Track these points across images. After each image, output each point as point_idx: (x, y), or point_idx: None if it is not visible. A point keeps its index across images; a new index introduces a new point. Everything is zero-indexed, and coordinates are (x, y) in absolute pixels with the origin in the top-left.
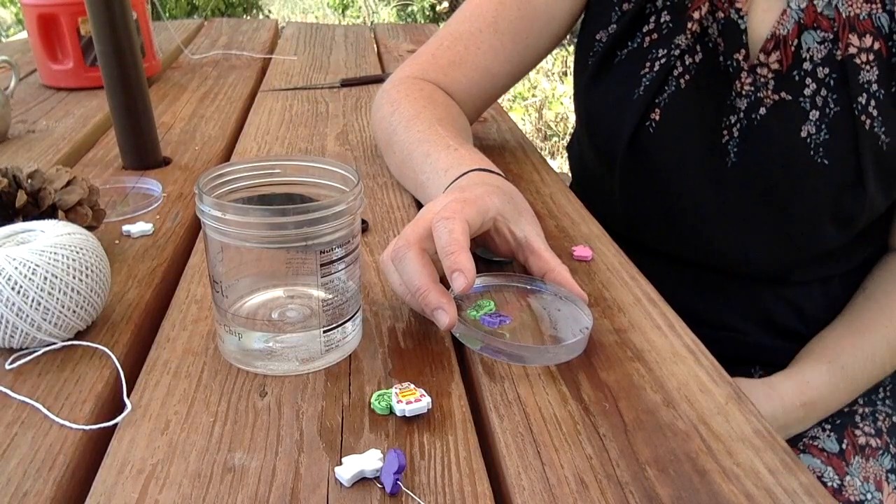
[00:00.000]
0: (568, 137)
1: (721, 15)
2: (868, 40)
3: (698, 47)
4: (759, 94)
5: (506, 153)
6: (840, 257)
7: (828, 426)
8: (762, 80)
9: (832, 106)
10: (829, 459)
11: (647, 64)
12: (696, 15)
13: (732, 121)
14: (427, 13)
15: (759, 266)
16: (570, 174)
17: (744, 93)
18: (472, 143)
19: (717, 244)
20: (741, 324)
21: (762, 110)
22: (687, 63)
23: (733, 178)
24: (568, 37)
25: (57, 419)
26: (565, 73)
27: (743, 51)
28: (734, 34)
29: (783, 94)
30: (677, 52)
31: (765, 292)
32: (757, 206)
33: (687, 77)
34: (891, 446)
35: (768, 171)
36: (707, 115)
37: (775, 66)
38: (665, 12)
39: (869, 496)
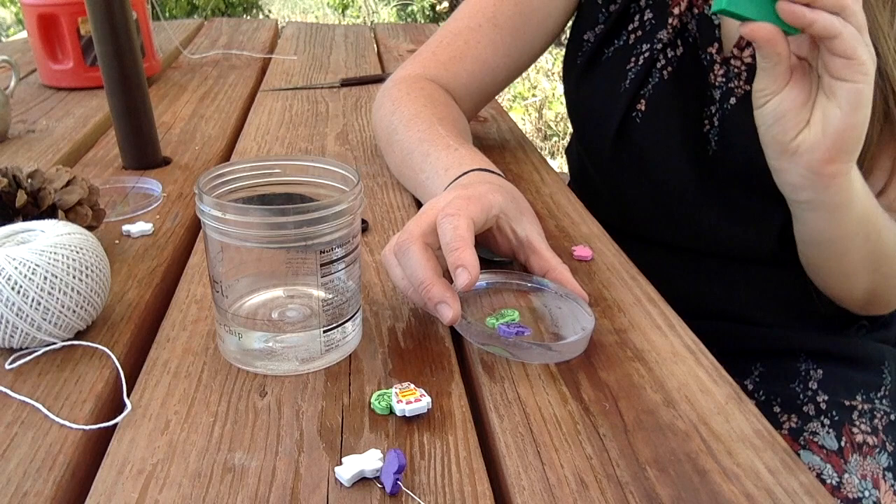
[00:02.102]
0: (568, 137)
1: (696, 11)
2: None
3: (679, 41)
4: (730, 85)
5: (506, 153)
6: None
7: (826, 421)
8: (735, 70)
9: None
10: (828, 457)
11: (633, 59)
12: (676, 11)
13: (713, 110)
14: (427, 13)
15: (751, 247)
16: (569, 174)
17: (717, 84)
18: (472, 143)
19: (705, 227)
20: (743, 307)
21: (732, 100)
22: (669, 56)
23: (715, 165)
24: (563, 38)
25: (57, 419)
26: None
27: (716, 44)
28: (709, 28)
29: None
30: (660, 45)
31: (764, 270)
32: (739, 191)
33: (669, 69)
34: (887, 444)
35: (746, 159)
36: (689, 105)
37: (748, 59)
38: (648, 10)
39: (867, 493)
